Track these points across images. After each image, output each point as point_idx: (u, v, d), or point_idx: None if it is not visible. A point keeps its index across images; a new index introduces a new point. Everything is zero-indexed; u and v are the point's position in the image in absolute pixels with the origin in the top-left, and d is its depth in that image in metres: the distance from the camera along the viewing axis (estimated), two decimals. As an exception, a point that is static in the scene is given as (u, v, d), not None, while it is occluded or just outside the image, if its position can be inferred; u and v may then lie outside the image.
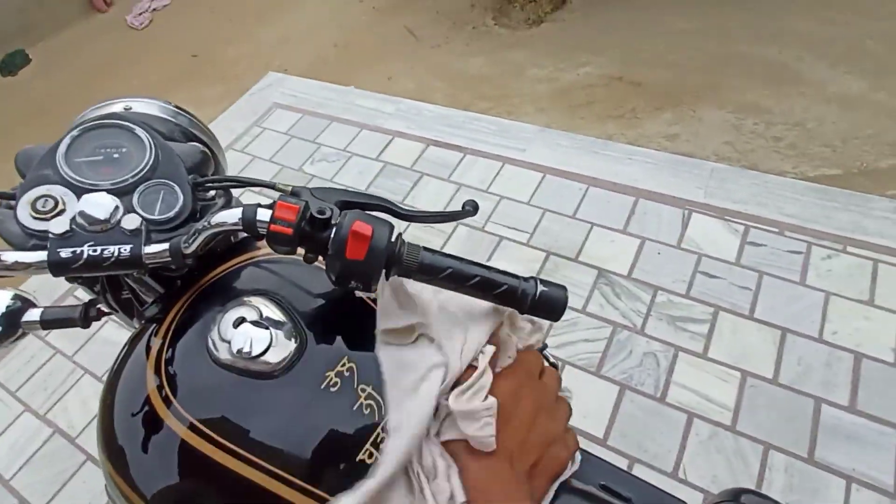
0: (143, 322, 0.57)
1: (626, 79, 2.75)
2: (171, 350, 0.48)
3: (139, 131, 0.53)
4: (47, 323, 0.68)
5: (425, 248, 0.44)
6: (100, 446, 0.49)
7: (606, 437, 1.22)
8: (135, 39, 4.08)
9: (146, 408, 0.46)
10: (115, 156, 0.52)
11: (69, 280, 0.69)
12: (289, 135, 2.20)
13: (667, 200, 1.62)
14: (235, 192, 0.60)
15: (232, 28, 3.96)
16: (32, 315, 0.67)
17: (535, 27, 3.30)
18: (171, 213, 0.50)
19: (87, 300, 0.70)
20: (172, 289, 0.57)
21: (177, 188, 0.51)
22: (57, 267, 0.46)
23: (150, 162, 0.51)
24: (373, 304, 0.49)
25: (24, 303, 0.68)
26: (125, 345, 0.56)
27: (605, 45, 2.95)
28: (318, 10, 3.93)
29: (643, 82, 2.69)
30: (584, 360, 1.34)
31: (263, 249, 0.56)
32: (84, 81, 3.60)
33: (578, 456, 0.47)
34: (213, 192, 0.56)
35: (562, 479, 0.44)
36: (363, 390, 0.44)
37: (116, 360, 0.54)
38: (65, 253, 0.45)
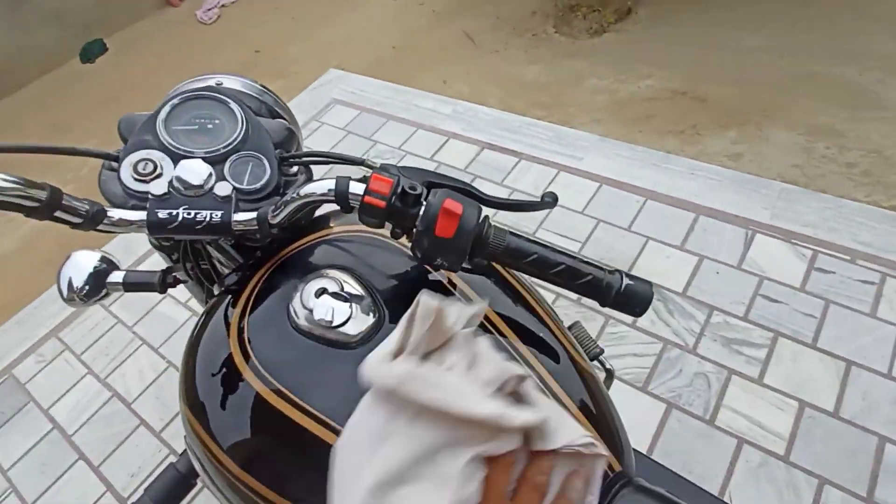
0: (222, 289, 0.60)
1: (690, 94, 2.68)
2: (251, 315, 0.50)
3: (232, 105, 0.56)
4: (129, 285, 0.72)
5: (511, 233, 0.44)
6: (182, 400, 0.51)
7: (650, 453, 1.19)
8: (203, 33, 4.27)
9: (226, 366, 0.48)
10: (210, 126, 0.55)
11: (156, 245, 0.74)
12: (346, 130, 2.25)
13: (729, 219, 1.57)
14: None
15: (294, 26, 4.08)
16: (116, 277, 0.71)
17: (596, 37, 3.26)
18: (259, 185, 0.52)
19: (164, 268, 0.74)
20: (252, 259, 0.59)
21: (265, 161, 0.54)
22: (154, 226, 0.48)
23: (242, 134, 0.54)
24: (449, 286, 0.50)
25: (110, 265, 0.72)
26: (205, 311, 0.59)
27: (670, 59, 2.89)
28: (379, 12, 4.00)
29: (708, 98, 2.62)
30: (632, 374, 1.31)
31: (336, 228, 0.58)
32: (154, 70, 3.78)
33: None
34: (295, 169, 0.58)
35: None
36: None
37: (197, 323, 0.56)
38: (162, 214, 0.48)
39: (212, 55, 3.85)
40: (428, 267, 0.51)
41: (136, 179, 0.51)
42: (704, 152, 2.10)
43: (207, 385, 0.49)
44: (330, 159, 0.55)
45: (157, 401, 1.50)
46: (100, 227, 0.48)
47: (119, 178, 0.51)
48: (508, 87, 3.07)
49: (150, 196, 0.49)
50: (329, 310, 0.46)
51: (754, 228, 1.53)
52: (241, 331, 0.49)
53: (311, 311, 0.46)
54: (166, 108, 0.54)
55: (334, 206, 0.47)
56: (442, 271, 0.51)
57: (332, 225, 0.59)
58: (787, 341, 1.31)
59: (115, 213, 0.48)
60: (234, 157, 0.53)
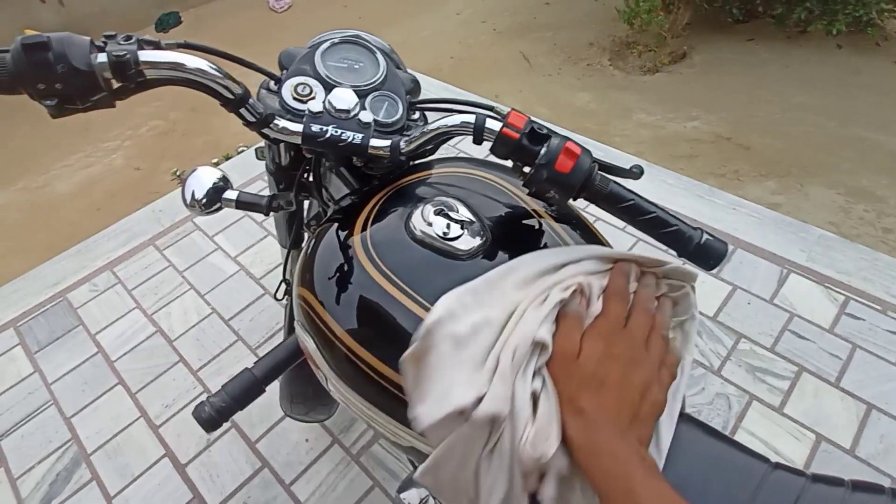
0: (336, 208, 0.68)
1: (735, 140, 2.75)
2: (373, 225, 0.57)
3: (377, 52, 0.64)
4: (240, 203, 0.80)
5: (613, 181, 0.52)
6: (303, 286, 0.58)
7: (665, 462, 1.23)
8: (272, 20, 4.46)
9: (349, 261, 0.55)
10: (356, 67, 0.64)
11: (273, 170, 0.82)
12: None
13: (766, 256, 1.62)
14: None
15: (360, 25, 4.24)
16: (230, 195, 0.80)
17: (649, 75, 3.35)
18: (392, 120, 0.61)
19: (271, 194, 0.82)
20: (367, 186, 0.67)
21: (398, 101, 0.62)
22: (308, 138, 0.57)
23: (382, 77, 0.63)
24: (542, 219, 0.57)
25: (226, 183, 0.80)
26: (323, 222, 0.66)
27: (719, 105, 2.97)
28: (443, 22, 4.16)
29: (752, 147, 2.68)
30: (655, 386, 1.35)
31: (444, 168, 0.65)
32: (221, 47, 3.95)
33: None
34: (416, 115, 0.67)
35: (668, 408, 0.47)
36: None
37: (315, 233, 0.63)
38: (315, 128, 0.57)
39: (278, 42, 4.01)
40: (528, 203, 0.59)
41: (294, 99, 0.59)
42: (744, 198, 2.16)
43: (329, 273, 0.56)
44: (457, 105, 0.63)
45: (197, 342, 1.58)
46: (264, 131, 0.57)
47: (280, 96, 0.59)
48: (558, 109, 3.16)
49: (307, 112, 0.57)
50: (446, 224, 0.53)
51: (789, 268, 1.58)
52: (363, 237, 0.56)
53: (429, 224, 0.54)
54: (325, 45, 0.63)
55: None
56: (536, 209, 0.58)
57: (437, 166, 0.66)
58: (811, 377, 1.35)
59: (280, 122, 0.57)
60: (374, 94, 0.61)
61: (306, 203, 0.92)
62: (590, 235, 0.59)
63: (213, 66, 0.50)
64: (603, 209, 0.53)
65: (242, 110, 0.53)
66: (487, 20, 4.22)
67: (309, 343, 0.57)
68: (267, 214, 0.83)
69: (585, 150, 0.50)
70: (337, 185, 0.72)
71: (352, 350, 0.51)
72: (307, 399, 1.13)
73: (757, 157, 2.63)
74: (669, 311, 0.49)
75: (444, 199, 0.57)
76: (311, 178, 0.79)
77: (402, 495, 0.93)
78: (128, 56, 0.42)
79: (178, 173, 2.73)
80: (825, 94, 2.90)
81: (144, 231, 1.93)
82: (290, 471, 1.30)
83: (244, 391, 0.73)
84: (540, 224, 0.57)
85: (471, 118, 0.53)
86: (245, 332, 1.59)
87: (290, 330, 1.07)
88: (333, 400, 1.23)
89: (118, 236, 1.92)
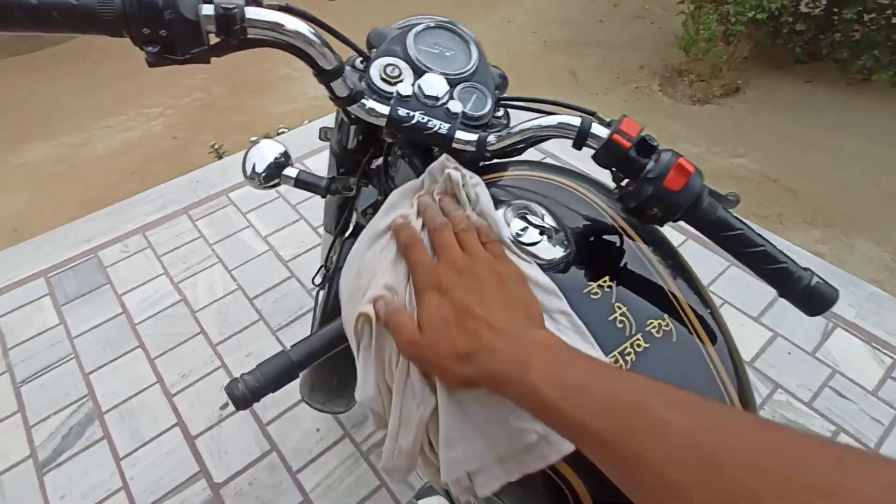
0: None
1: (782, 182, 2.68)
2: None
3: (470, 42, 0.62)
4: (298, 182, 0.78)
5: (722, 206, 0.48)
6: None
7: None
8: (321, 7, 4.48)
9: None
10: (447, 54, 0.61)
11: (338, 151, 0.80)
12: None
13: (810, 305, 1.56)
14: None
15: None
16: (290, 172, 0.78)
17: (699, 105, 3.29)
18: (479, 114, 0.58)
19: (331, 176, 0.80)
20: None
21: (487, 94, 0.59)
22: (393, 121, 0.54)
23: (474, 68, 0.60)
24: (630, 239, 0.54)
25: (287, 159, 0.79)
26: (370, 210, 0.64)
27: (769, 144, 2.90)
28: (493, 29, 4.14)
29: (799, 192, 2.61)
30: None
31: (528, 172, 0.62)
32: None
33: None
34: (501, 112, 0.64)
35: None
36: (619, 307, 0.48)
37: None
38: (402, 112, 0.54)
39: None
40: (615, 219, 0.55)
41: (382, 79, 0.57)
42: (788, 242, 2.09)
43: None
44: (551, 105, 0.60)
45: (219, 316, 1.57)
46: (350, 108, 0.54)
47: (367, 75, 0.57)
48: (603, 129, 3.12)
49: (396, 94, 0.55)
50: (528, 229, 0.50)
51: (836, 322, 1.52)
52: None
53: (509, 225, 0.51)
54: (418, 28, 0.60)
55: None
56: (625, 226, 0.55)
57: (514, 168, 0.63)
58: (849, 439, 1.29)
59: (368, 102, 0.54)
60: (463, 84, 0.59)
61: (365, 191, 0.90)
62: (676, 262, 0.56)
63: (314, 32, 0.48)
64: (704, 234, 0.50)
65: (335, 83, 0.51)
66: (538, 31, 4.20)
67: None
68: (324, 196, 0.81)
69: (698, 170, 0.47)
70: (405, 175, 0.69)
71: None
72: (329, 389, 1.11)
73: (803, 203, 2.55)
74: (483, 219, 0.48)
75: (527, 203, 0.54)
76: (373, 166, 0.77)
77: (420, 502, 0.90)
78: (235, 10, 0.40)
79: (215, 147, 2.74)
80: (881, 147, 2.81)
81: (180, 199, 1.94)
82: (299, 458, 1.28)
83: (279, 374, 0.71)
84: (627, 243, 0.54)
85: (575, 120, 0.50)
86: (267, 312, 1.58)
87: (323, 317, 1.05)
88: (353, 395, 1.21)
89: (154, 201, 1.93)
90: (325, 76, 0.50)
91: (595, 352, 0.43)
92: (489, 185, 0.60)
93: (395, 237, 0.45)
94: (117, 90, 3.77)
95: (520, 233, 0.50)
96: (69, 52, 4.33)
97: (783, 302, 1.54)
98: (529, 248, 0.50)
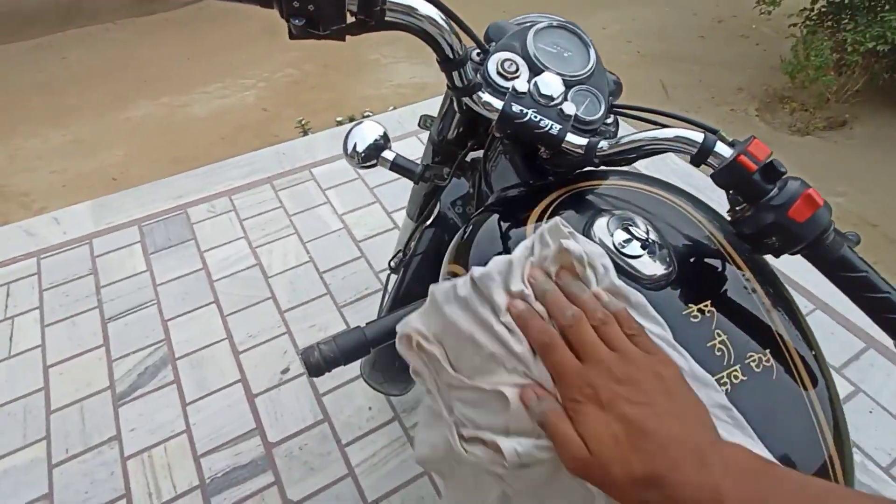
0: (499, 196, 0.66)
1: (882, 229, 2.48)
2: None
3: (590, 45, 0.61)
4: (395, 166, 0.80)
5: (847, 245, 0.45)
6: (458, 265, 0.56)
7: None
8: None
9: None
10: (566, 55, 0.60)
11: (438, 141, 0.81)
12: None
13: (902, 366, 1.44)
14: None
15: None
16: (388, 155, 0.80)
17: (798, 136, 3.10)
18: (591, 118, 0.57)
19: (426, 164, 0.81)
20: (542, 180, 0.64)
21: (601, 99, 0.58)
22: (505, 116, 0.54)
23: (590, 71, 0.59)
24: (735, 266, 0.52)
25: (386, 142, 0.81)
26: (489, 206, 0.64)
27: (873, 186, 2.69)
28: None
29: (900, 240, 2.41)
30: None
31: (632, 183, 0.61)
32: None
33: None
34: (611, 119, 0.63)
35: None
36: (719, 335, 0.46)
37: (475, 218, 0.61)
38: (515, 108, 0.54)
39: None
40: (723, 245, 0.53)
41: (498, 73, 0.57)
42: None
43: (490, 257, 0.54)
44: (667, 118, 0.59)
45: (290, 284, 1.64)
46: (465, 99, 0.55)
47: (484, 68, 0.57)
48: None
49: (511, 90, 0.55)
50: (631, 241, 0.49)
51: (928, 387, 1.39)
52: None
53: (612, 235, 0.50)
54: (540, 25, 0.60)
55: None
56: (731, 251, 0.53)
57: (619, 178, 0.62)
58: (927, 513, 1.18)
59: (484, 95, 0.55)
60: (578, 87, 0.58)
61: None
62: (782, 296, 0.53)
63: (444, 19, 0.49)
64: (822, 272, 0.47)
65: (455, 72, 0.52)
66: (633, 41, 4.08)
67: None
68: (416, 183, 0.83)
69: (827, 204, 0.44)
70: (502, 172, 0.70)
71: None
72: (389, 370, 1.13)
73: (904, 254, 2.35)
74: (615, 299, 0.41)
75: (631, 214, 0.53)
76: (468, 159, 0.78)
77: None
78: None
79: (301, 122, 2.85)
80: None
81: (266, 169, 2.03)
82: (349, 432, 1.32)
83: (353, 348, 0.73)
84: (731, 269, 0.52)
85: (697, 136, 0.48)
86: (335, 288, 1.63)
87: (394, 301, 1.07)
88: (412, 380, 1.23)
89: (242, 167, 2.03)
90: (449, 64, 0.51)
91: (760, 448, 0.39)
92: (588, 192, 0.59)
93: (525, 329, 0.38)
94: (218, 59, 3.99)
95: (622, 244, 0.50)
96: (181, 19, 4.62)
97: (871, 356, 1.42)
98: (631, 262, 0.49)
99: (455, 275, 0.56)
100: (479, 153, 0.77)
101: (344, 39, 0.47)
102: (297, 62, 3.95)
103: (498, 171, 0.70)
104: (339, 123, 2.69)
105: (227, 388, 1.40)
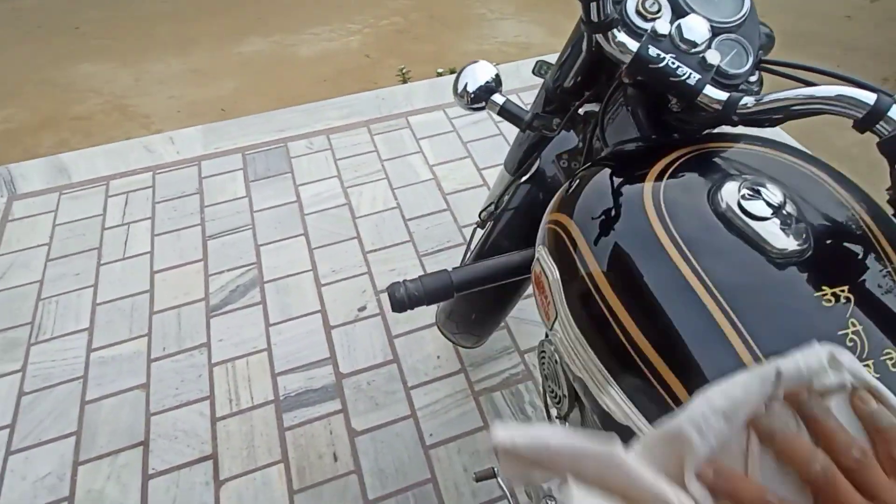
0: (614, 150, 0.62)
1: None
2: (667, 181, 0.50)
3: None
4: (503, 110, 0.77)
5: None
6: (563, 212, 0.53)
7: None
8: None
9: (633, 204, 0.49)
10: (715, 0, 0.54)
11: (553, 88, 0.77)
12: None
13: None
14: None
15: None
16: (498, 98, 0.77)
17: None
18: (736, 71, 0.51)
19: (535, 112, 0.78)
20: (666, 137, 0.59)
21: (749, 52, 0.52)
22: (639, 60, 0.50)
23: (742, 19, 0.53)
24: (882, 254, 0.45)
25: (499, 85, 0.78)
26: (600, 160, 0.60)
27: None
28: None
29: None
30: None
31: (768, 149, 0.55)
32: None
33: None
34: (755, 77, 0.56)
35: None
36: (853, 324, 0.41)
37: (587, 168, 0.58)
38: (652, 52, 0.49)
39: None
40: (871, 228, 0.47)
41: (637, 13, 0.52)
42: None
43: (600, 207, 0.50)
44: (827, 77, 0.51)
45: (375, 227, 1.67)
46: (598, 36, 0.51)
47: (623, 5, 0.52)
48: (812, 144, 2.70)
49: (650, 31, 0.50)
50: (763, 209, 0.44)
51: None
52: (656, 187, 0.49)
53: (743, 200, 0.45)
54: None
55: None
56: (880, 237, 0.46)
57: (755, 143, 0.56)
58: None
59: (618, 34, 0.50)
60: (725, 35, 0.52)
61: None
62: None
63: None
64: None
65: (594, 2, 0.48)
66: (768, 17, 3.66)
67: (551, 271, 0.53)
68: (524, 130, 0.79)
69: None
70: (621, 125, 0.65)
71: (603, 297, 0.46)
72: (464, 322, 1.14)
73: None
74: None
75: (765, 181, 0.47)
76: (582, 111, 0.73)
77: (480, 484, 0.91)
78: None
79: (402, 70, 2.85)
80: None
81: (364, 112, 2.06)
82: (415, 376, 1.35)
83: (438, 289, 0.73)
84: (878, 258, 0.46)
85: (868, 96, 0.41)
86: (418, 237, 1.65)
87: (479, 254, 1.06)
88: (486, 333, 1.23)
89: (342, 108, 2.07)
90: None
91: None
92: (717, 153, 0.53)
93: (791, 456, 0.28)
94: (330, 2, 4.05)
95: (747, 197, 0.44)
96: (296, -40, 4.71)
97: None
98: (751, 223, 0.44)
99: (559, 223, 0.53)
100: (595, 107, 0.72)
101: None
102: (405, 11, 3.93)
103: (616, 123, 0.65)
104: (440, 75, 2.66)
105: (308, 316, 1.47)
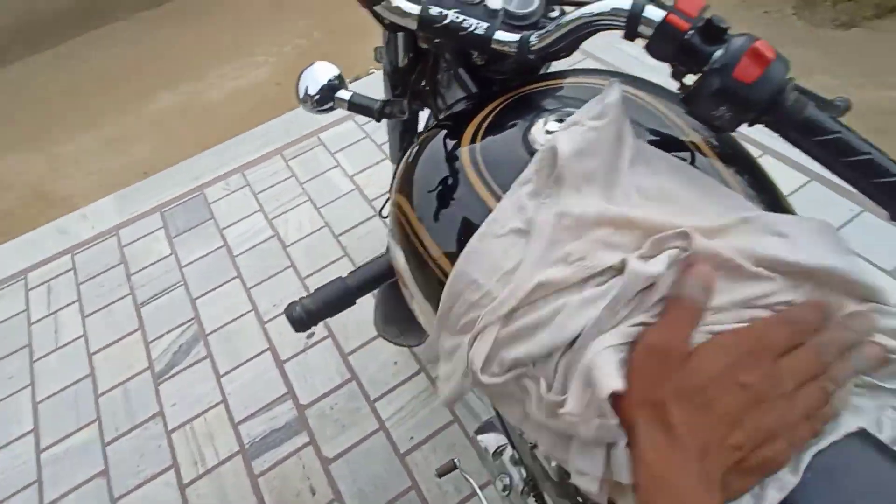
0: (447, 113, 0.61)
1: (946, 118, 2.23)
2: (485, 135, 0.49)
3: None
4: (352, 105, 0.75)
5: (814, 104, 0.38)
6: (400, 193, 0.52)
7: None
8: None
9: (457, 171, 0.48)
10: None
11: (390, 70, 0.76)
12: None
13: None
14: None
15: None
16: (344, 94, 0.75)
17: (843, 29, 2.80)
18: (525, 11, 0.50)
19: (385, 99, 0.77)
20: (487, 90, 0.58)
21: None
22: (424, 21, 0.49)
23: None
24: (702, 155, 0.45)
25: (341, 82, 0.76)
26: (430, 128, 0.60)
27: (934, 72, 2.41)
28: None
29: (968, 128, 2.16)
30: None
31: (580, 78, 0.54)
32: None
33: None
34: (556, 13, 0.56)
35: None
36: None
37: (421, 137, 0.57)
38: (434, 11, 0.48)
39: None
40: (687, 134, 0.47)
41: None
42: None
43: (430, 183, 0.50)
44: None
45: (308, 251, 1.64)
46: (376, 8, 0.50)
47: None
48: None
49: None
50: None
51: None
52: (473, 148, 0.49)
53: (548, 136, 0.45)
54: None
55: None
56: (694, 141, 0.46)
57: (571, 76, 0.56)
58: None
59: (394, 1, 0.49)
60: None
61: (423, 116, 0.86)
62: (766, 187, 0.46)
63: None
64: (792, 143, 0.40)
65: None
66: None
67: (399, 257, 0.52)
68: (378, 120, 0.78)
69: (781, 57, 0.37)
70: (454, 91, 0.64)
71: (446, 274, 0.45)
72: (401, 321, 1.12)
73: (973, 142, 2.11)
74: (850, 369, 0.34)
75: (573, 110, 0.47)
76: (425, 83, 0.72)
77: (480, 437, 0.89)
78: None
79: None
80: None
81: (275, 140, 2.02)
82: (376, 388, 1.33)
83: (335, 298, 0.71)
84: (696, 160, 0.46)
85: (625, 2, 0.41)
86: (352, 249, 1.63)
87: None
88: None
89: (252, 142, 2.03)
90: None
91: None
92: (530, 95, 0.53)
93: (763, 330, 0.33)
94: (229, 42, 3.98)
95: (552, 131, 0.44)
96: (189, 7, 4.62)
97: (865, 217, 1.30)
98: None
99: (398, 205, 0.52)
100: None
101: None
102: (306, 31, 3.88)
103: (450, 90, 0.65)
104: (309, 66, 2.64)
105: (257, 357, 1.43)
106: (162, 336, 1.51)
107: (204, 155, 2.03)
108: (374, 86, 2.17)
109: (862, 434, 0.39)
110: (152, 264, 1.69)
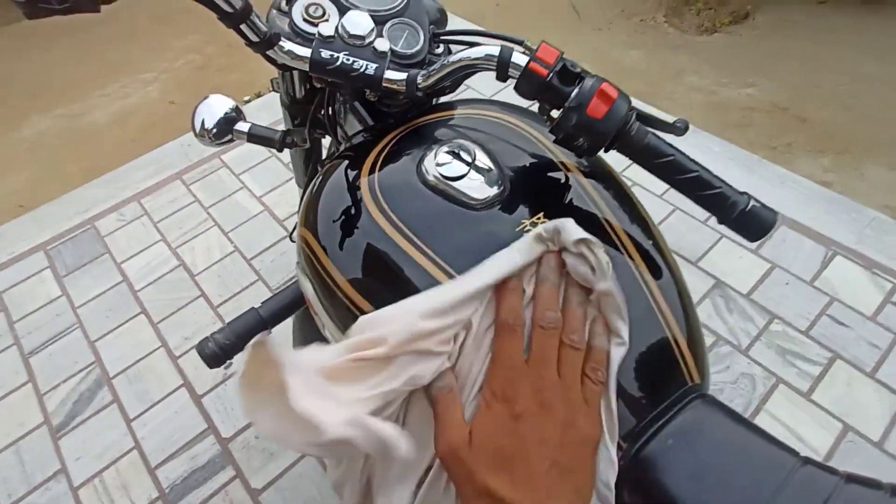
0: (347, 144, 0.64)
1: (792, 111, 2.57)
2: (382, 166, 0.53)
3: None
4: (252, 136, 0.76)
5: (652, 132, 0.46)
6: (303, 227, 0.54)
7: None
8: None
9: (355, 203, 0.51)
10: None
11: (287, 103, 0.77)
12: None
13: (812, 235, 1.52)
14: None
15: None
16: (242, 126, 0.76)
17: (706, 35, 3.14)
18: (411, 51, 0.55)
19: (286, 129, 0.78)
20: (382, 124, 0.62)
21: (420, 31, 0.56)
22: (316, 64, 0.52)
23: (404, 3, 0.57)
24: (569, 173, 0.52)
25: (239, 114, 0.76)
26: (331, 159, 0.62)
27: (779, 71, 2.76)
28: (490, -34, 3.93)
29: (809, 119, 2.50)
30: (677, 361, 1.31)
31: (466, 109, 0.60)
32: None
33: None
34: (440, 49, 0.61)
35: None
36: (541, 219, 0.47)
37: (324, 170, 0.59)
38: (325, 54, 0.52)
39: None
40: (555, 155, 0.53)
41: (304, 20, 0.54)
42: (792, 172, 2.02)
43: (333, 215, 0.52)
44: (485, 39, 0.57)
45: (218, 278, 1.59)
46: (269, 53, 0.52)
47: (290, 16, 0.54)
48: (604, 67, 2.99)
49: (317, 36, 0.52)
50: (460, 169, 0.49)
51: (836, 250, 1.48)
52: (371, 179, 0.52)
53: (441, 168, 0.49)
54: None
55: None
56: (563, 161, 0.53)
57: (459, 107, 0.61)
58: (845, 365, 1.28)
59: (287, 44, 0.52)
60: (393, 21, 0.56)
61: (326, 142, 0.87)
62: (622, 196, 0.53)
63: None
64: (639, 164, 0.47)
65: (243, 27, 0.49)
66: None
67: (307, 288, 0.54)
68: (280, 150, 0.79)
69: (623, 95, 0.44)
70: (352, 121, 0.67)
71: (353, 301, 0.48)
72: (323, 340, 1.12)
73: (813, 131, 2.45)
74: (605, 336, 0.40)
75: (460, 141, 0.51)
76: (324, 114, 0.75)
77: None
78: None
79: (209, 109, 2.71)
80: (898, 66, 2.66)
81: (172, 164, 1.93)
82: (301, 411, 1.31)
83: (249, 330, 0.71)
84: (566, 178, 0.52)
85: (495, 50, 0.47)
86: (266, 272, 1.59)
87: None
88: None
89: (147, 167, 1.92)
90: (231, 19, 0.47)
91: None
92: (422, 128, 0.57)
93: (498, 301, 0.38)
94: (109, 57, 3.70)
95: (458, 176, 0.49)
96: (64, 18, 4.25)
97: (783, 233, 1.50)
98: (453, 184, 0.48)
99: (307, 242, 0.54)
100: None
101: (98, 10, 0.42)
102: (198, 46, 3.70)
103: (348, 121, 0.68)
104: (247, 102, 2.56)
105: (171, 395, 1.36)
106: (58, 386, 1.40)
107: (92, 184, 1.89)
108: (276, 104, 2.13)
109: (709, 399, 0.47)
110: (40, 308, 1.55)
